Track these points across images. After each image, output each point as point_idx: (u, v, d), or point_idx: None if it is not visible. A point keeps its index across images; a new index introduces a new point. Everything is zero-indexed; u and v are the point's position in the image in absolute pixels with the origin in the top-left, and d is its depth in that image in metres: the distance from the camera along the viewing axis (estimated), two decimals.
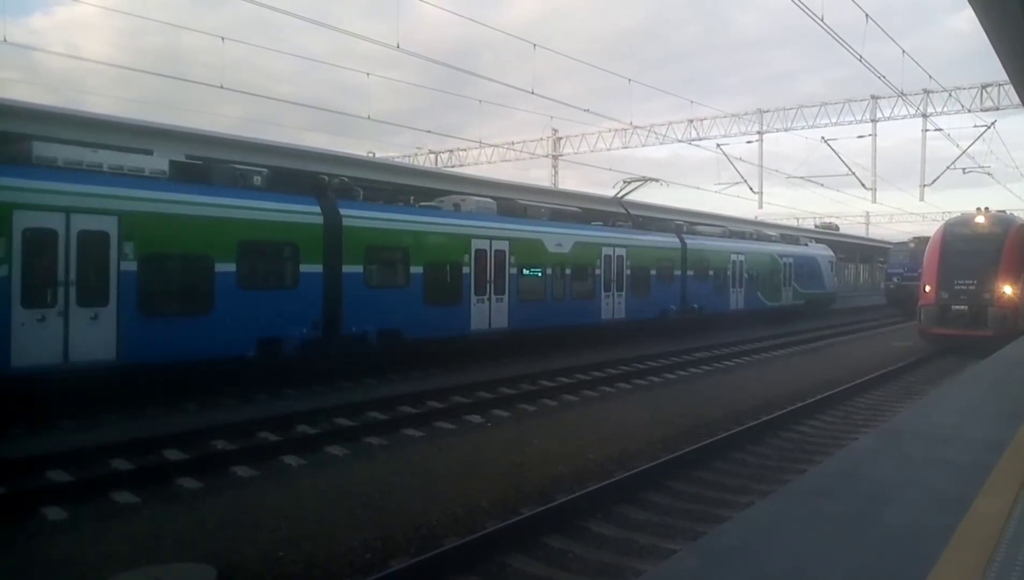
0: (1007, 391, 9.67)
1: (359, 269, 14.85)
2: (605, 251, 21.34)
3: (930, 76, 24.13)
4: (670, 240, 25.18)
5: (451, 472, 8.07)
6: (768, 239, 32.39)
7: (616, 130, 34.93)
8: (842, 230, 61.46)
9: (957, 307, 19.38)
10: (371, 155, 26.10)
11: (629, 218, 24.73)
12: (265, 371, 13.20)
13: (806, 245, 36.17)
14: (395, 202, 18.23)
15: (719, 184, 34.38)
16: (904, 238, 42.71)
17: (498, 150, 39.36)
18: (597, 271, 20.98)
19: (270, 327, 13.29)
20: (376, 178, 22.16)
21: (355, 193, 15.80)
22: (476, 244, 17.35)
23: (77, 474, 8.26)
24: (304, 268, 13.91)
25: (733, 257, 28.09)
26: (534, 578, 5.70)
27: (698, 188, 36.88)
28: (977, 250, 19.66)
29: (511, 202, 21.04)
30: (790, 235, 36.58)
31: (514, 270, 18.21)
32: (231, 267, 12.79)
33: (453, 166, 40.17)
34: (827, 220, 64.32)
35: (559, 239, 19.73)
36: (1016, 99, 21.89)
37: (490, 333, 17.66)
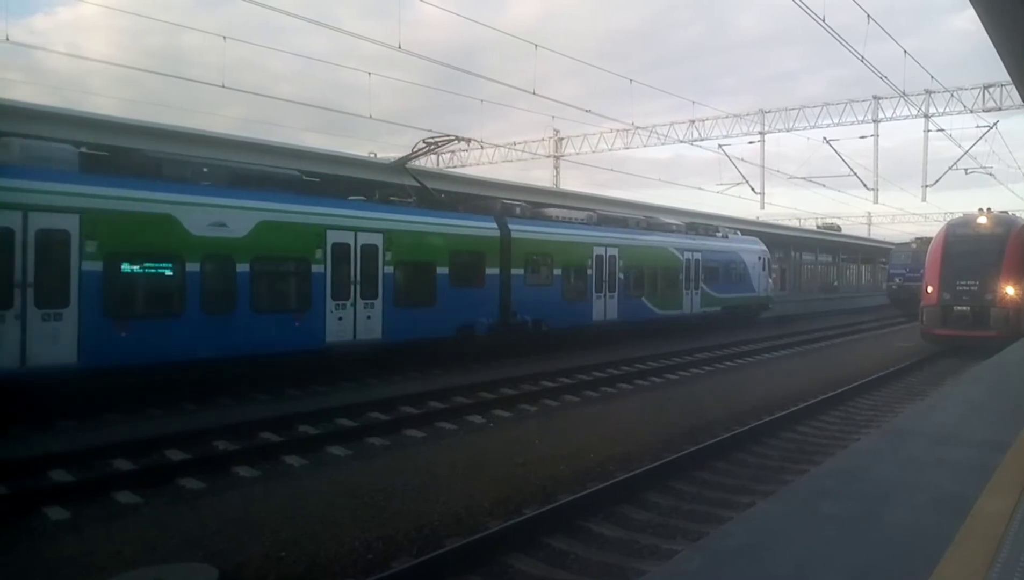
0: (1010, 391, 9.65)
1: None
2: (335, 238, 14.34)
3: (932, 76, 24.10)
4: (480, 224, 17.99)
5: (453, 472, 8.06)
6: (664, 229, 25.51)
7: (618, 130, 34.87)
8: (844, 231, 61.54)
9: (959, 308, 19.34)
10: (372, 156, 26.08)
11: (425, 191, 18.24)
12: None
13: (725, 237, 28.98)
14: None
15: (721, 185, 34.36)
16: (906, 239, 42.74)
17: (500, 150, 39.34)
18: (316, 268, 14.02)
19: None
20: (377, 179, 20.85)
21: None
22: None
23: (79, 474, 8.28)
24: None
25: (597, 251, 21.05)
26: (536, 579, 5.70)
27: (700, 189, 36.73)
28: (979, 251, 19.63)
29: (137, 155, 13.29)
30: (702, 224, 29.34)
31: (96, 265, 11.13)
32: None
33: (454, 167, 40.15)
34: (829, 221, 64.44)
35: (222, 216, 12.68)
36: (1018, 99, 21.87)
37: (26, 375, 10.35)
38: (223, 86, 19.48)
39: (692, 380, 15.90)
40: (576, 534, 6.51)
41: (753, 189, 33.00)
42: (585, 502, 7.01)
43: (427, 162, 41.71)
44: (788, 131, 32.12)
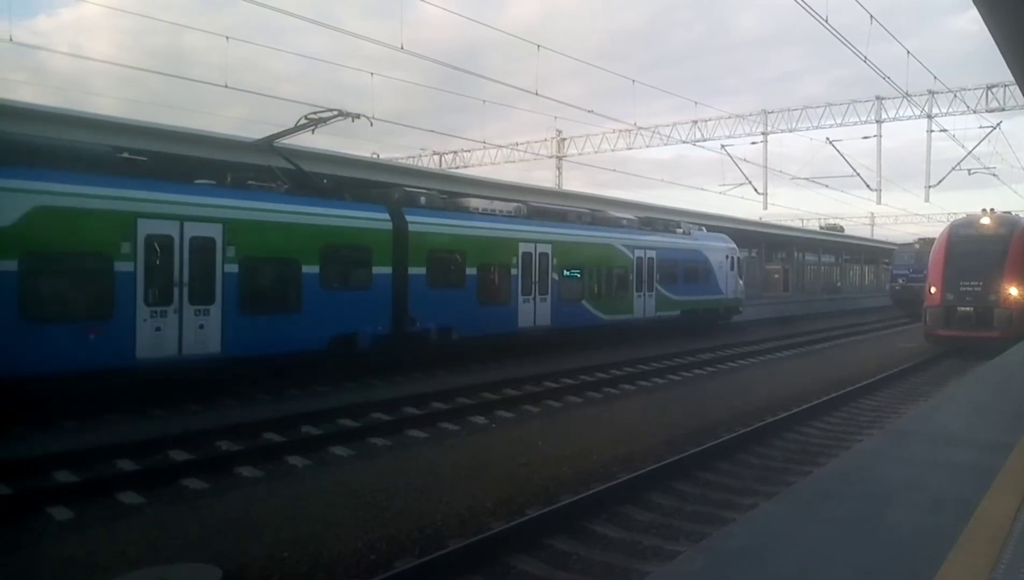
0: (1014, 393, 9.64)
1: None
2: (150, 228, 11.69)
3: (935, 77, 24.09)
4: (366, 215, 15.16)
5: (456, 473, 8.07)
6: (612, 224, 22.84)
7: (620, 131, 34.89)
8: (847, 231, 61.44)
9: (963, 308, 19.32)
10: (375, 156, 26.08)
11: (302, 176, 15.37)
12: None
13: (687, 233, 26.37)
14: None
15: (724, 185, 34.40)
16: (909, 239, 42.75)
17: (502, 151, 39.38)
18: (122, 266, 11.36)
19: None
20: (379, 179, 20.68)
21: None
22: None
23: (83, 474, 8.29)
24: None
25: (524, 247, 18.46)
26: (539, 579, 5.70)
27: (702, 189, 36.71)
28: (983, 251, 19.60)
29: None
30: (660, 219, 26.54)
31: None
32: None
33: (457, 167, 40.19)
34: (832, 221, 64.35)
35: None
36: (1022, 100, 21.88)
37: None
38: (226, 86, 19.58)
39: (695, 381, 15.90)
40: (579, 535, 6.50)
41: (756, 189, 33.04)
42: (588, 503, 7.01)
43: (430, 163, 41.81)
44: (791, 131, 32.17)
